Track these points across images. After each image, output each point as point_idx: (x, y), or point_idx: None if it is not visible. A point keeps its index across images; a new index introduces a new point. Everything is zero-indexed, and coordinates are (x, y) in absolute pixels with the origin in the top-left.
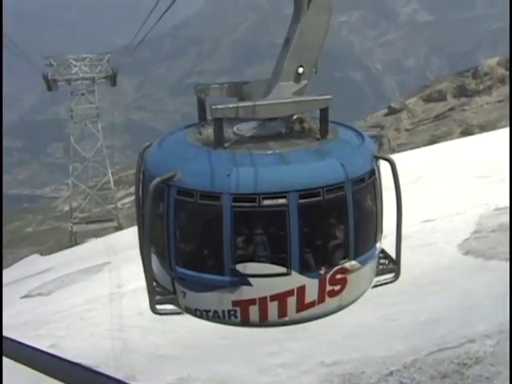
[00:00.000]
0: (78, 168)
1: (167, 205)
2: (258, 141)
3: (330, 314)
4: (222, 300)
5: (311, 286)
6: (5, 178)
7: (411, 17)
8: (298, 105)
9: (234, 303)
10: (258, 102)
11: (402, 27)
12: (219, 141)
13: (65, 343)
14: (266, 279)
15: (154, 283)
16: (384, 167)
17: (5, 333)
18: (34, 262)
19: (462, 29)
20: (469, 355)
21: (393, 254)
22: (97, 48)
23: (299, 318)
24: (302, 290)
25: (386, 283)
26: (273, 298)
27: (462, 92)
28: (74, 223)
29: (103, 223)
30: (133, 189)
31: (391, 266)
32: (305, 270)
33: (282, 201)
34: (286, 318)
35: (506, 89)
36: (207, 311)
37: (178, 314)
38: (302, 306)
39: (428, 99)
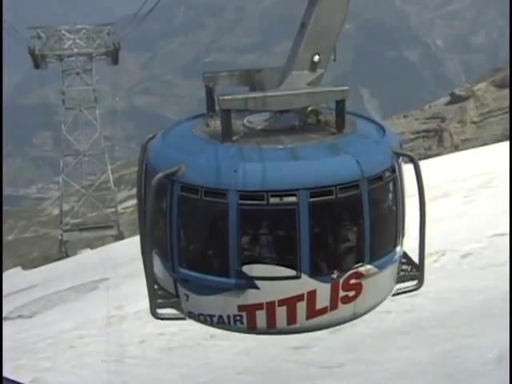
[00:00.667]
0: (70, 163)
1: (170, 201)
2: (269, 134)
3: (343, 322)
4: (227, 304)
5: (323, 290)
6: None
7: None
8: (313, 96)
9: (240, 308)
10: (268, 93)
11: None
12: (227, 134)
13: (50, 377)
14: (274, 282)
15: (156, 286)
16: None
17: None
18: (15, 277)
19: None
20: None
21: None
22: (95, 18)
23: (310, 325)
24: (312, 294)
25: (407, 291)
26: (281, 302)
27: None
28: (65, 230)
29: (100, 231)
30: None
31: (414, 272)
32: (316, 273)
33: (291, 199)
34: (296, 325)
35: None
36: (211, 316)
37: (181, 318)
38: (312, 312)
39: (501, 85)
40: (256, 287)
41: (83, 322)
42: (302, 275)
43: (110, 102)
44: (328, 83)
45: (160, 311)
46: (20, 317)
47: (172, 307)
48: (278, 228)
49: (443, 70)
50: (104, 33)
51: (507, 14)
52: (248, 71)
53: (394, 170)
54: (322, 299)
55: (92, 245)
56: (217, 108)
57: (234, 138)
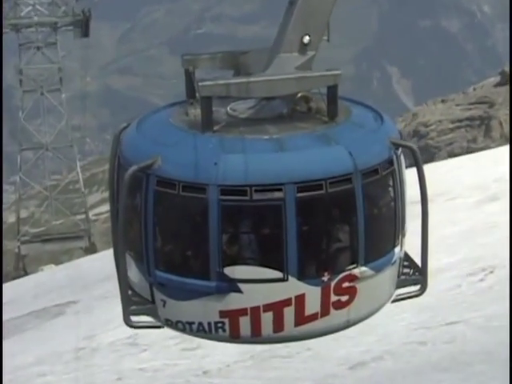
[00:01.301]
0: (29, 159)
1: (145, 197)
2: (254, 123)
3: (336, 330)
4: (207, 310)
5: (312, 294)
6: None
7: None
8: (302, 81)
9: (222, 314)
10: (252, 79)
11: None
12: (207, 123)
13: None
14: (259, 285)
15: (130, 292)
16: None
17: None
18: None
19: None
20: None
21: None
22: None
23: (299, 333)
24: (301, 299)
25: (409, 297)
26: (267, 307)
27: None
28: (23, 242)
29: (67, 242)
30: None
31: (416, 276)
32: (304, 275)
33: (277, 194)
34: (283, 333)
35: None
36: (190, 323)
37: (157, 327)
38: (301, 318)
39: None
40: (239, 291)
41: (46, 355)
42: (289, 278)
43: (78, 83)
44: (347, 61)
45: (134, 319)
46: None
47: (147, 314)
48: (262, 226)
49: (491, 44)
50: None
51: None
52: (232, 53)
53: (391, 163)
54: (312, 304)
55: (57, 260)
56: (197, 95)
57: (215, 127)
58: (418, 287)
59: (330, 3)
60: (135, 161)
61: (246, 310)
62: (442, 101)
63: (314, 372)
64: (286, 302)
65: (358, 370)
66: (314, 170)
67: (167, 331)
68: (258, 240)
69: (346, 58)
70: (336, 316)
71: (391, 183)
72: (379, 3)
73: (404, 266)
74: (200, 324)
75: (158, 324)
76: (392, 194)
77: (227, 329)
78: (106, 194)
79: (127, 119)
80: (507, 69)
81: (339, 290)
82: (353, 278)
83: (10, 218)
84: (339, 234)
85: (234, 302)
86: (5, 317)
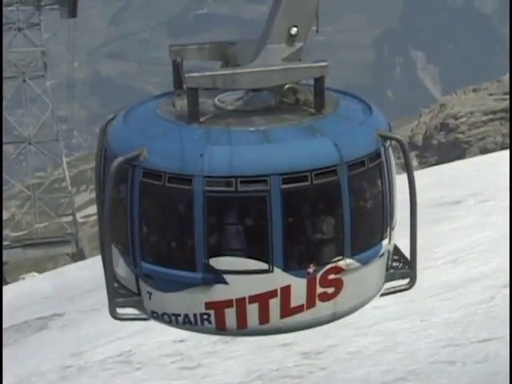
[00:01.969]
0: (10, 154)
1: (131, 188)
2: (241, 115)
3: (323, 322)
4: (193, 301)
5: (298, 286)
6: None
7: None
8: (288, 73)
9: (208, 305)
10: (238, 70)
11: None
12: (193, 115)
13: None
14: (244, 277)
15: (116, 284)
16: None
17: None
18: None
19: None
20: None
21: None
22: None
23: (285, 325)
24: (286, 290)
25: (398, 291)
26: (252, 299)
27: None
28: (4, 247)
29: (52, 247)
30: None
31: (406, 269)
32: (290, 267)
33: (262, 185)
34: (269, 325)
35: None
36: (176, 315)
37: (143, 319)
38: (287, 310)
39: None
40: (224, 282)
41: (28, 374)
42: (275, 269)
43: (65, 69)
44: (367, 45)
45: (120, 311)
46: None
47: (133, 306)
48: (247, 217)
49: None
50: None
51: None
52: (220, 44)
53: (379, 155)
54: (298, 296)
55: (40, 267)
56: (184, 86)
57: (201, 119)
58: (407, 281)
59: None
60: (121, 152)
61: (231, 301)
62: (474, 90)
63: None
64: (272, 294)
65: None
66: (299, 161)
67: (163, 348)
68: (244, 231)
69: (366, 42)
70: (322, 308)
71: (379, 176)
72: None
73: (394, 260)
74: (186, 316)
75: (144, 316)
76: (379, 187)
77: (213, 321)
78: None
79: (119, 110)
80: None
81: (325, 282)
82: (339, 270)
83: None
84: (325, 225)
85: (219, 293)
86: None
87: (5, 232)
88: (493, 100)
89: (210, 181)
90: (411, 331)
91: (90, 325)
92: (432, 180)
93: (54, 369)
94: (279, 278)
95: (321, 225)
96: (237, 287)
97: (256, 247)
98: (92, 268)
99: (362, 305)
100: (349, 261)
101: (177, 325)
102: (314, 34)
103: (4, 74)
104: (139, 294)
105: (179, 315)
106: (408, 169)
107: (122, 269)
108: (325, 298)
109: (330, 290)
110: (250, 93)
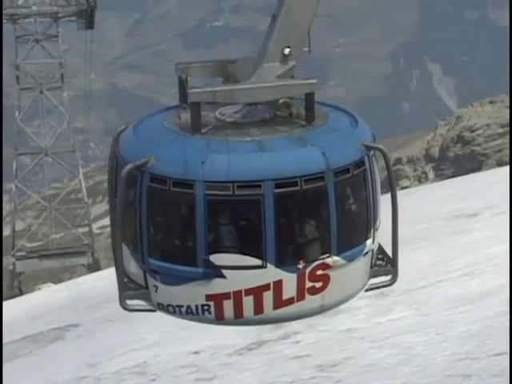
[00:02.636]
0: (26, 165)
1: (140, 192)
2: (239, 127)
3: (311, 314)
4: (194, 293)
5: (289, 280)
6: None
7: None
8: (281, 89)
9: (208, 297)
10: (235, 86)
11: None
12: (196, 126)
13: None
14: (241, 272)
15: (126, 279)
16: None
17: None
18: None
19: None
20: None
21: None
22: None
23: (277, 315)
24: (278, 284)
25: (381, 286)
26: (248, 292)
27: None
28: (19, 258)
29: (68, 258)
30: None
31: (388, 267)
32: (281, 263)
33: (256, 190)
34: (263, 316)
35: None
36: (180, 306)
37: (150, 310)
38: (279, 302)
39: None
40: (223, 276)
41: None
42: (268, 265)
43: (82, 80)
44: (383, 57)
45: (129, 302)
46: None
47: (141, 299)
48: (243, 218)
49: None
50: None
51: None
52: (221, 62)
53: (363, 163)
54: (289, 289)
55: (56, 278)
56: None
57: (203, 130)
58: (389, 277)
59: (308, 19)
60: (131, 159)
61: (229, 293)
62: (491, 102)
63: None
64: (265, 287)
65: None
66: (290, 168)
67: (178, 359)
68: (240, 231)
69: (382, 54)
70: (311, 301)
71: (363, 182)
72: None
73: (378, 259)
74: (188, 307)
75: (151, 308)
76: (364, 192)
77: (213, 311)
78: None
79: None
80: None
81: (313, 277)
82: (326, 267)
83: (4, 231)
84: (313, 226)
85: (218, 286)
86: None
87: (21, 242)
88: (509, 112)
89: (210, 185)
90: (427, 344)
91: (106, 336)
92: (448, 192)
93: (70, 379)
94: (272, 273)
95: (310, 225)
96: (234, 281)
97: (251, 245)
98: (108, 279)
99: (348, 298)
100: (335, 258)
101: (180, 315)
102: (330, 45)
103: (21, 85)
104: (147, 288)
105: (182, 306)
106: (389, 173)
107: (131, 265)
108: (313, 291)
109: (318, 285)
110: (247, 107)
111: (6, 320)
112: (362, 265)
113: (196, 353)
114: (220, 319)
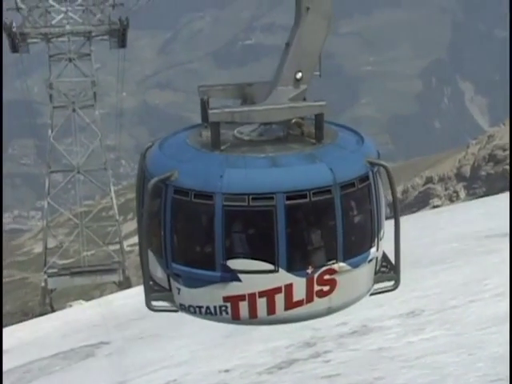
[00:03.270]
0: (59, 183)
1: (165, 203)
2: (255, 144)
3: (320, 315)
4: (213, 295)
5: (299, 284)
6: None
7: None
8: (293, 110)
9: (225, 299)
10: (252, 108)
11: None
12: (215, 144)
13: None
14: (255, 275)
15: (151, 282)
16: None
17: None
18: None
19: None
20: None
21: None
22: None
23: (288, 316)
24: (289, 287)
25: (384, 291)
26: (261, 294)
27: None
28: (50, 275)
29: (99, 276)
30: None
31: (391, 274)
32: (292, 268)
33: (269, 201)
34: (275, 316)
35: None
36: (200, 307)
37: (173, 310)
38: (290, 303)
39: None
40: (239, 280)
41: None
42: (280, 269)
43: (114, 98)
44: (414, 75)
45: (155, 303)
46: None
47: (165, 300)
48: (258, 227)
49: None
50: (107, 4)
51: None
52: (240, 85)
53: (367, 178)
54: (299, 292)
55: (87, 295)
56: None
57: (222, 147)
58: (392, 283)
59: (319, 46)
60: (157, 174)
61: (244, 296)
62: None
63: None
64: (277, 290)
65: None
66: (300, 182)
67: (208, 378)
68: (254, 238)
69: (413, 72)
70: (319, 303)
71: (367, 195)
72: (452, 10)
73: (382, 266)
74: (207, 308)
75: (174, 308)
76: (368, 204)
77: (229, 312)
78: None
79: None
80: None
81: (321, 281)
82: (333, 272)
83: (36, 248)
84: (321, 235)
85: (234, 289)
86: (28, 358)
87: (52, 259)
88: None
89: (228, 197)
90: (459, 365)
91: (136, 353)
92: (480, 212)
93: None
94: (283, 277)
95: (318, 234)
96: (249, 284)
97: (264, 251)
98: (138, 296)
99: (354, 301)
100: (341, 264)
101: (200, 315)
102: (361, 64)
103: (54, 104)
104: (170, 290)
105: (202, 307)
106: (391, 187)
107: (156, 269)
108: (321, 294)
109: (326, 288)
110: (262, 126)
111: (38, 336)
112: (366, 271)
113: (226, 371)
114: (236, 319)
